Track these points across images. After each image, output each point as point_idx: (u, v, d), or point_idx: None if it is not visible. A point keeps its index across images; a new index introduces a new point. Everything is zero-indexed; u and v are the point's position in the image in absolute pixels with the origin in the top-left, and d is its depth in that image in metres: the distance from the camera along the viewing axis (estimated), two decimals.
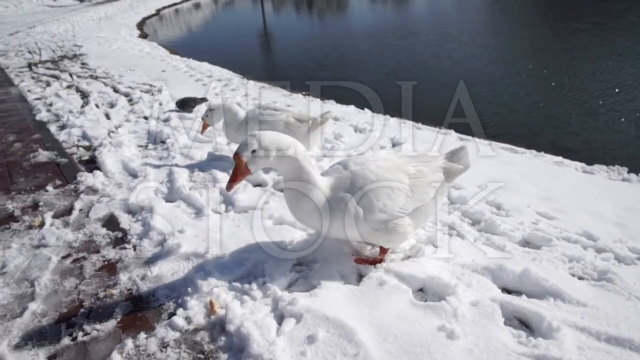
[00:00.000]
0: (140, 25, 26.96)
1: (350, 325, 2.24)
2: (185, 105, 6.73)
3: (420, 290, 2.63)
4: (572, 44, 13.68)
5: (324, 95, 8.23)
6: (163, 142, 5.21)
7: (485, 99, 9.78)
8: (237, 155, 2.47)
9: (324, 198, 2.54)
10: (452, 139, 6.03)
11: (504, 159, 5.21)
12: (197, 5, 40.19)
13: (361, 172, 2.58)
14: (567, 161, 5.35)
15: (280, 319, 2.38)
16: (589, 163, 5.31)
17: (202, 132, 4.93)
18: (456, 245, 3.02)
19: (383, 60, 13.83)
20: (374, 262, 2.80)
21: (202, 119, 4.72)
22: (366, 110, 7.41)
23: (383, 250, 2.81)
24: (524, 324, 2.35)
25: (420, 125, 6.93)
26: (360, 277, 2.69)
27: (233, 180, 2.50)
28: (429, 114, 8.57)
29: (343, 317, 2.29)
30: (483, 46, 14.60)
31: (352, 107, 7.33)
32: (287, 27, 25.40)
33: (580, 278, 2.69)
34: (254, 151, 2.45)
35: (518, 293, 2.55)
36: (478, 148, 5.67)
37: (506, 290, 2.60)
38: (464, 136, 6.28)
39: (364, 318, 2.32)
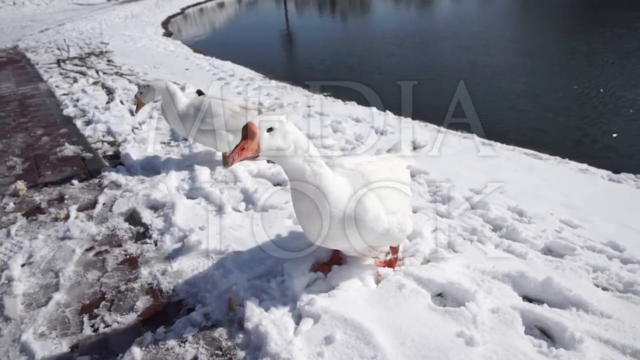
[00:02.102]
0: (165, 23, 27.33)
1: (368, 327, 2.23)
2: None
3: (439, 295, 2.61)
4: (601, 47, 13.39)
5: (346, 96, 8.21)
6: (186, 139, 5.27)
7: (509, 103, 9.64)
8: (251, 126, 2.09)
9: (348, 195, 2.35)
10: (474, 143, 5.95)
11: (526, 164, 5.12)
12: (221, 5, 40.58)
13: (368, 172, 2.48)
14: (592, 169, 5.23)
15: (298, 318, 2.39)
16: (616, 171, 5.17)
17: (135, 111, 4.66)
18: (476, 251, 2.99)
19: (404, 62, 13.74)
20: (392, 264, 2.79)
21: (136, 96, 4.47)
22: (387, 112, 7.37)
23: (394, 249, 2.80)
24: (545, 333, 2.30)
25: (441, 128, 6.85)
26: (378, 280, 2.68)
27: (237, 155, 2.07)
28: (452, 117, 8.48)
29: (361, 319, 2.29)
30: (509, 50, 14.39)
31: (374, 109, 7.29)
32: (309, 27, 25.42)
33: (604, 289, 2.62)
34: (271, 129, 2.14)
35: (539, 302, 2.50)
36: (499, 152, 5.59)
37: (527, 299, 2.55)
38: (486, 141, 6.19)
39: (382, 321, 2.32)
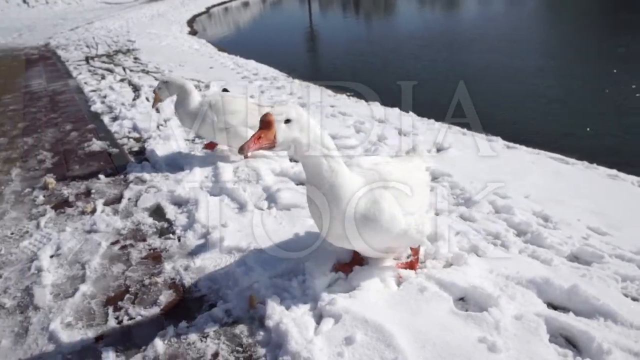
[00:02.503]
0: (190, 22, 27.70)
1: (389, 329, 2.22)
2: None
3: (461, 299, 2.58)
4: (636, 49, 13.03)
5: (370, 96, 8.18)
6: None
7: (536, 105, 9.46)
8: (268, 116, 2.12)
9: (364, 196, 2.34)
10: (498, 146, 5.87)
11: (553, 169, 5.02)
12: (245, 4, 40.92)
13: (386, 172, 2.45)
14: (622, 174, 5.09)
15: (318, 318, 2.39)
16: None
17: (152, 106, 4.79)
18: (500, 256, 2.94)
19: (429, 64, 13.61)
20: (413, 266, 2.77)
21: (154, 91, 4.59)
22: (410, 113, 7.32)
23: (415, 251, 2.78)
24: (570, 343, 2.25)
25: (465, 131, 6.77)
26: (400, 282, 2.66)
27: (253, 143, 2.09)
28: (479, 119, 8.38)
29: (382, 320, 2.28)
30: (538, 52, 14.11)
31: (396, 110, 7.26)
32: (333, 27, 25.42)
33: (634, 299, 2.55)
34: (289, 121, 2.15)
35: (565, 310, 2.45)
36: (523, 156, 5.51)
37: (552, 306, 2.50)
38: (510, 144, 6.09)
39: (403, 323, 2.30)
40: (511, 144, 6.05)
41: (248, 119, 4.40)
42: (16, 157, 5.49)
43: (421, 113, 7.44)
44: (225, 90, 6.85)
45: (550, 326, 2.28)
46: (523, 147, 5.92)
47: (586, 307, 2.41)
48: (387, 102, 7.71)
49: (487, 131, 6.87)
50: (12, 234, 3.69)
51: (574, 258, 3.02)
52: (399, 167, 2.58)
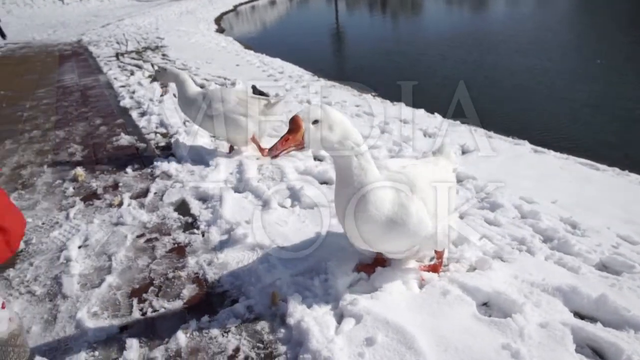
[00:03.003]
0: (218, 20, 28.01)
1: (410, 331, 2.21)
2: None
3: (485, 304, 2.54)
4: None
5: (393, 97, 8.13)
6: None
7: (566, 109, 9.24)
8: (296, 118, 2.10)
9: (390, 198, 2.31)
10: (525, 150, 5.76)
11: (582, 174, 4.90)
12: (272, 3, 41.14)
13: (414, 175, 2.43)
14: None
15: (339, 317, 2.39)
16: None
17: (151, 81, 5.06)
18: (525, 262, 2.89)
19: (457, 65, 13.43)
20: (437, 269, 2.75)
21: (156, 71, 4.91)
22: (436, 114, 7.25)
23: (439, 254, 2.75)
24: (597, 354, 2.20)
25: (492, 133, 6.67)
26: (422, 284, 2.64)
27: (282, 145, 2.08)
28: (504, 123, 8.25)
29: (403, 322, 2.27)
30: (571, 55, 13.76)
31: (422, 111, 7.19)
32: (359, 27, 25.32)
33: None
34: (316, 122, 2.12)
35: (592, 320, 2.39)
36: (551, 160, 5.39)
37: (579, 315, 2.44)
38: (539, 148, 5.97)
39: (425, 326, 2.28)
40: (539, 148, 5.93)
41: (248, 110, 4.50)
42: (48, 149, 5.65)
43: (446, 114, 7.36)
44: (254, 87, 6.92)
45: (576, 336, 2.23)
46: (551, 152, 5.79)
47: (615, 318, 2.35)
48: (415, 103, 7.65)
49: (514, 134, 6.76)
50: (43, 223, 3.80)
51: (603, 267, 2.94)
52: (427, 170, 2.56)
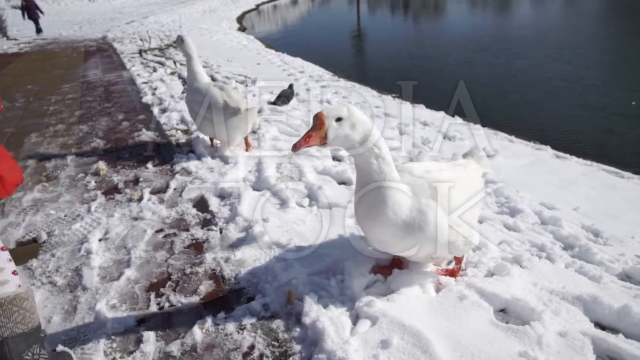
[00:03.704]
0: (240, 18, 28.23)
1: (426, 335, 2.19)
2: (279, 98, 6.94)
3: (502, 310, 2.50)
4: None
5: (415, 98, 8.08)
6: (254, 132, 5.40)
7: (593, 116, 9.05)
8: (320, 115, 2.16)
9: (409, 204, 2.31)
10: (547, 155, 5.67)
11: (606, 182, 4.80)
12: (294, 2, 41.26)
13: (437, 180, 2.40)
14: None
15: (355, 318, 2.38)
16: None
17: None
18: (545, 269, 2.84)
19: (481, 69, 13.24)
20: (454, 273, 2.72)
21: (176, 45, 5.13)
22: (456, 117, 7.18)
23: (458, 259, 2.72)
24: None
25: (513, 137, 6.58)
26: (439, 288, 2.62)
27: (305, 141, 2.14)
28: (527, 128, 8.14)
29: (419, 326, 2.25)
30: (604, 62, 13.40)
31: (442, 113, 7.14)
32: (381, 28, 25.20)
33: None
34: (340, 119, 2.16)
35: (614, 331, 2.34)
36: (574, 166, 5.29)
37: (599, 326, 2.39)
38: (560, 153, 5.87)
39: (441, 330, 2.26)
40: (561, 154, 5.84)
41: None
42: (72, 143, 5.76)
43: (467, 118, 7.29)
44: (290, 87, 6.98)
45: (597, 347, 2.18)
46: (574, 158, 5.70)
47: (638, 330, 2.29)
48: (435, 105, 7.60)
49: (536, 139, 6.66)
50: (65, 216, 3.87)
51: (626, 277, 2.87)
52: (452, 175, 2.52)
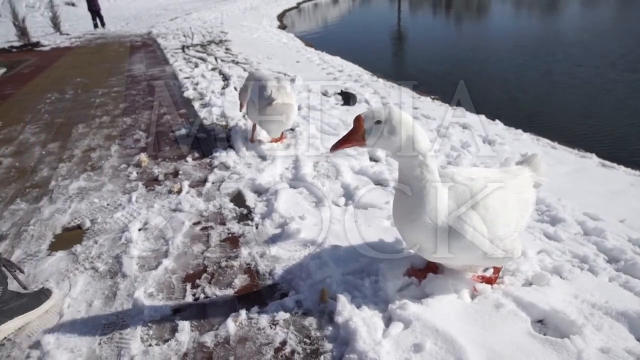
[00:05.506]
0: (281, 16, 28.47)
1: (460, 342, 2.15)
2: (349, 99, 7.04)
3: (540, 321, 2.43)
4: None
5: (455, 101, 7.94)
6: (292, 129, 5.44)
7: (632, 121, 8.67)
8: (359, 118, 2.14)
9: (446, 211, 2.26)
10: (592, 163, 5.46)
11: None
12: (335, 1, 41.29)
13: (481, 189, 2.32)
14: None
15: (388, 320, 2.36)
16: None
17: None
18: (587, 282, 2.73)
19: (525, 71, 12.89)
20: (491, 281, 2.66)
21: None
22: (497, 121, 7.02)
23: (497, 269, 2.65)
24: None
25: (556, 144, 6.36)
26: (474, 295, 2.57)
27: (342, 143, 2.16)
28: (570, 134, 7.86)
29: (454, 332, 2.21)
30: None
31: (482, 117, 6.98)
32: (422, 28, 24.88)
33: None
34: (378, 122, 2.11)
35: None
36: (621, 176, 5.07)
37: None
38: (607, 162, 5.64)
39: (475, 339, 2.21)
40: (607, 163, 5.61)
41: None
42: (116, 134, 5.96)
43: (508, 122, 7.11)
44: (343, 92, 7.07)
45: None
46: (621, 167, 5.46)
47: None
48: (475, 108, 7.44)
49: (580, 147, 6.42)
50: (107, 204, 4.01)
51: None
52: (499, 184, 2.40)
